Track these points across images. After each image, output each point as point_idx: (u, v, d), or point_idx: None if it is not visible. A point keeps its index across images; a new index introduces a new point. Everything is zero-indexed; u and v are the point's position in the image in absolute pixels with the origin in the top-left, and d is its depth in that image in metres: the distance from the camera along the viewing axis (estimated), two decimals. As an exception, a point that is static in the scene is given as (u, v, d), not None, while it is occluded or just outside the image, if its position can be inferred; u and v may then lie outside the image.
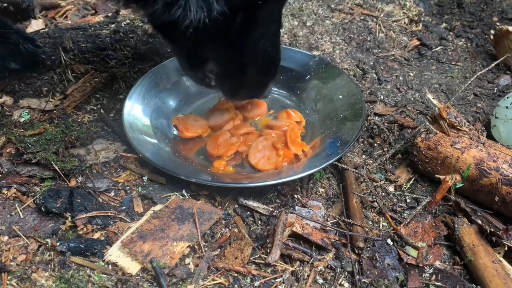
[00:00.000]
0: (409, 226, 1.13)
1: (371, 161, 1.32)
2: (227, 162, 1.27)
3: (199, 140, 1.34)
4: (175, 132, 1.36)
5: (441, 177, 1.19)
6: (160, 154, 1.24)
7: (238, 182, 1.18)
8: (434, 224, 1.15)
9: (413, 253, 1.08)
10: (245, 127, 1.35)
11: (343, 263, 1.06)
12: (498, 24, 1.86)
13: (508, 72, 1.67)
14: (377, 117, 1.44)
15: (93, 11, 1.97)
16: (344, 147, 1.22)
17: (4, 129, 1.30)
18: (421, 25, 1.89)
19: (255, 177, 1.20)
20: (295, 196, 1.20)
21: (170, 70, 1.46)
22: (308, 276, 1.03)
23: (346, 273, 1.04)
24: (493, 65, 1.45)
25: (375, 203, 1.20)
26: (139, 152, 1.21)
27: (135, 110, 1.34)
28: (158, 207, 1.14)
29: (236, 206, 1.18)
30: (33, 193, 1.16)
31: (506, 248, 1.08)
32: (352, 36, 1.80)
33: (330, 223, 1.15)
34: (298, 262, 1.06)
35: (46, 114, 1.39)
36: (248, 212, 1.17)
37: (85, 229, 1.09)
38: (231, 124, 1.35)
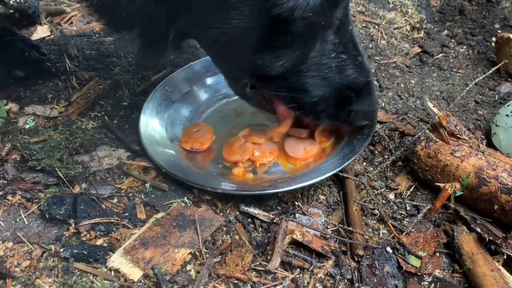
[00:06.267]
0: (411, 236, 1.14)
1: (371, 169, 1.33)
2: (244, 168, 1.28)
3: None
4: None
5: (441, 185, 1.20)
6: (181, 167, 1.26)
7: (262, 188, 1.19)
8: (435, 234, 1.15)
9: (413, 261, 1.09)
10: (257, 136, 1.35)
11: (342, 271, 1.07)
12: (499, 31, 1.87)
13: (509, 79, 1.68)
14: (378, 125, 1.44)
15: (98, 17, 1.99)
16: (349, 157, 1.23)
17: (10, 136, 1.32)
18: (422, 32, 1.90)
19: (277, 183, 1.20)
20: (296, 203, 1.21)
21: (179, 81, 1.49)
22: (308, 283, 1.04)
23: (345, 280, 1.05)
24: (491, 71, 1.46)
25: (376, 211, 1.21)
26: (160, 166, 1.24)
27: (151, 124, 1.36)
28: (160, 215, 1.15)
29: (237, 213, 1.19)
30: (37, 200, 1.18)
31: (505, 257, 1.09)
32: (354, 43, 1.81)
33: (330, 230, 1.16)
34: (298, 269, 1.07)
35: (51, 121, 1.41)
36: (249, 219, 1.18)
37: (88, 235, 1.11)
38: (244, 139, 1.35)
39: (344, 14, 1.06)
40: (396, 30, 1.90)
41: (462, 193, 1.19)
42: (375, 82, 1.64)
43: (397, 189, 1.27)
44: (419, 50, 1.82)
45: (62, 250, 1.06)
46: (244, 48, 1.04)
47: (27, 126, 1.37)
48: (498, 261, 1.09)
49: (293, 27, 0.97)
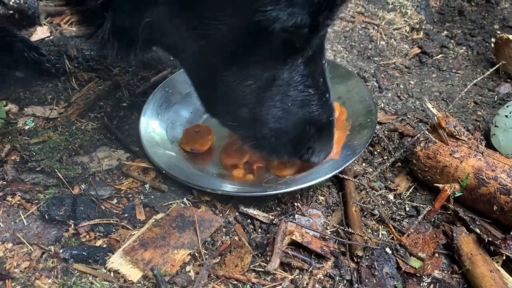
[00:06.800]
0: (410, 237, 1.14)
1: (371, 169, 1.33)
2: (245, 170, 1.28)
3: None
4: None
5: (440, 186, 1.20)
6: (181, 168, 1.25)
7: (265, 189, 1.18)
8: (435, 235, 1.16)
9: (413, 262, 1.09)
10: None
11: (342, 272, 1.07)
12: (499, 32, 1.87)
13: (508, 80, 1.68)
14: (377, 125, 1.45)
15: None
16: (349, 159, 1.22)
17: (9, 137, 1.32)
18: (422, 33, 1.91)
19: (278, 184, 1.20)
20: (295, 204, 1.21)
21: (179, 82, 1.48)
22: (307, 284, 1.04)
23: (345, 281, 1.06)
24: (490, 71, 1.46)
25: (375, 212, 1.21)
26: (160, 167, 1.24)
27: (151, 125, 1.36)
28: (159, 216, 1.15)
29: (237, 214, 1.19)
30: (37, 201, 1.18)
31: (504, 257, 1.09)
32: (353, 44, 1.82)
33: (330, 231, 1.16)
34: (297, 270, 1.07)
35: (51, 122, 1.41)
36: (249, 220, 1.18)
37: (87, 236, 1.11)
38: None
39: (319, 44, 1.02)
40: (396, 31, 1.90)
41: (461, 194, 1.19)
42: (375, 83, 1.65)
43: (397, 190, 1.27)
44: (419, 51, 1.82)
45: (61, 251, 1.06)
46: (217, 57, 1.00)
47: (26, 127, 1.37)
48: (497, 262, 1.09)
49: (269, 40, 0.93)
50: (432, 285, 1.06)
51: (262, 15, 0.87)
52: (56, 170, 1.22)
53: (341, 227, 1.15)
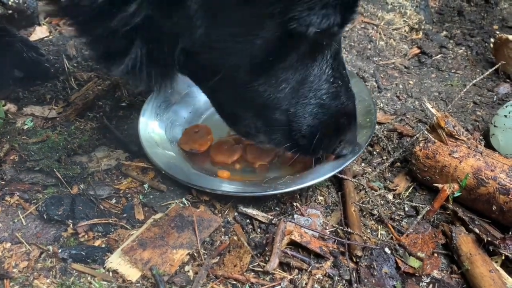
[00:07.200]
0: (409, 236, 1.14)
1: (370, 169, 1.33)
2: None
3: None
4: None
5: (439, 186, 1.20)
6: (181, 168, 1.25)
7: (265, 190, 1.17)
8: (434, 235, 1.16)
9: (412, 262, 1.09)
10: None
11: (341, 271, 1.07)
12: (498, 32, 1.87)
13: (507, 80, 1.68)
14: (376, 125, 1.44)
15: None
16: (348, 159, 1.22)
17: (8, 137, 1.32)
18: (421, 33, 1.91)
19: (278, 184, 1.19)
20: (294, 204, 1.21)
21: (178, 82, 1.47)
22: (306, 284, 1.04)
23: (344, 281, 1.05)
24: (489, 71, 1.46)
25: (374, 212, 1.21)
26: (160, 167, 1.23)
27: (151, 125, 1.35)
28: (158, 215, 1.15)
29: (236, 213, 1.19)
30: (35, 200, 1.17)
31: (503, 257, 1.09)
32: (352, 44, 1.82)
33: (329, 231, 1.16)
34: (296, 270, 1.07)
35: (49, 122, 1.41)
36: (248, 220, 1.18)
37: (86, 236, 1.11)
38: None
39: (339, 39, 1.04)
40: (395, 31, 1.90)
41: (460, 194, 1.19)
42: (374, 83, 1.65)
43: (396, 190, 1.27)
44: (418, 51, 1.82)
45: (60, 251, 1.05)
46: (249, 71, 0.99)
47: (25, 127, 1.37)
48: (496, 262, 1.09)
49: (301, 44, 0.94)
50: (431, 285, 1.06)
51: (297, 22, 0.87)
52: (54, 170, 1.22)
53: (340, 227, 1.15)
